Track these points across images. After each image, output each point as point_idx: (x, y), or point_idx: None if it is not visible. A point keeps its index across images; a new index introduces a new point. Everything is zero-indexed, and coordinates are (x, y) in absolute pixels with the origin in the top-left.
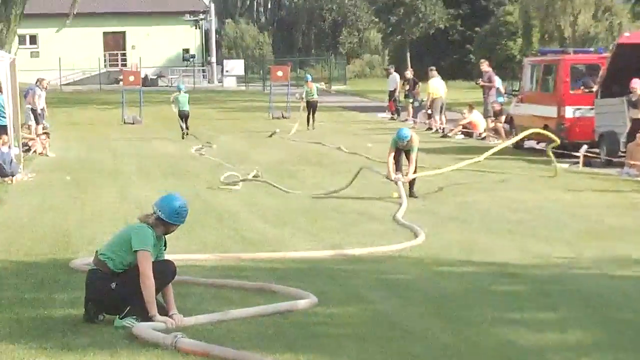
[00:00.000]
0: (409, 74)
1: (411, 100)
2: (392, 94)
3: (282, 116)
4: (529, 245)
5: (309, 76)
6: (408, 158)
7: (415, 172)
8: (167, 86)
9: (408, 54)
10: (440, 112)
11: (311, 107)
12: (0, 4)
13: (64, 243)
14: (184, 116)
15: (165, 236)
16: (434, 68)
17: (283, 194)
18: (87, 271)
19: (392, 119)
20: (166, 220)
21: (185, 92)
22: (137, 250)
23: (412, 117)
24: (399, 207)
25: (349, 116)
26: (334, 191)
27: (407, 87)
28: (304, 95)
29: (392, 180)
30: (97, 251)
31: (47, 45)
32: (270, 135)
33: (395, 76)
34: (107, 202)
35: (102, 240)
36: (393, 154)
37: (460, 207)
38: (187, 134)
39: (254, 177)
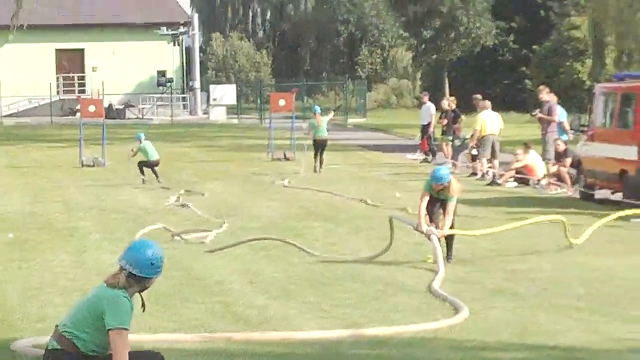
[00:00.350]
0: (446, 104)
1: (450, 138)
2: (425, 129)
3: (285, 157)
4: (601, 325)
5: (317, 108)
6: (444, 209)
7: (452, 227)
8: (137, 118)
9: (446, 79)
10: (492, 153)
11: (320, 146)
12: None
13: (3, 321)
14: (154, 165)
15: (142, 294)
16: (479, 97)
17: (286, 258)
18: (45, 353)
19: (425, 160)
20: (140, 275)
21: (146, 139)
22: (112, 329)
23: (452, 158)
24: (434, 274)
25: (370, 157)
26: (376, 255)
27: (445, 121)
28: (310, 132)
29: (422, 233)
30: (57, 326)
31: None
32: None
33: (430, 107)
34: (59, 268)
35: (53, 317)
36: (427, 200)
37: (512, 276)
38: (159, 182)
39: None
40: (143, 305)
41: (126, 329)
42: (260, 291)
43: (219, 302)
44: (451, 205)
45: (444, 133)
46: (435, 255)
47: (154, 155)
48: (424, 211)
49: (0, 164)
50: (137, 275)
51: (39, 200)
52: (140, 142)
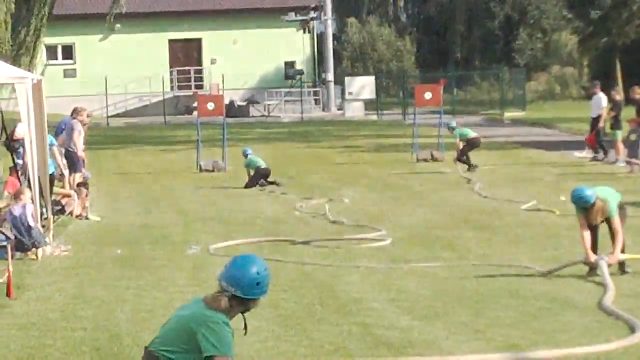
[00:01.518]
0: (618, 95)
1: (618, 133)
2: (595, 123)
3: (432, 158)
4: None
5: (453, 122)
6: (610, 227)
7: (623, 248)
8: (262, 116)
9: (618, 66)
10: None
11: (474, 146)
12: (22, 2)
13: (111, 349)
14: (265, 174)
15: (244, 315)
16: None
17: (433, 272)
18: None
19: (594, 159)
20: (244, 297)
21: (253, 153)
22: (219, 356)
23: (629, 156)
24: (604, 288)
25: (530, 156)
26: (560, 267)
27: (614, 113)
28: (458, 138)
29: (592, 265)
30: (146, 347)
31: (88, 59)
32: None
33: (601, 98)
34: (174, 288)
35: None
36: (585, 225)
37: None
38: (277, 183)
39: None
40: (245, 327)
41: (230, 356)
42: (403, 310)
43: (357, 323)
44: (615, 222)
45: (612, 127)
46: (603, 273)
47: (262, 164)
48: (588, 240)
49: (108, 170)
50: (241, 297)
51: (152, 210)
52: (246, 158)
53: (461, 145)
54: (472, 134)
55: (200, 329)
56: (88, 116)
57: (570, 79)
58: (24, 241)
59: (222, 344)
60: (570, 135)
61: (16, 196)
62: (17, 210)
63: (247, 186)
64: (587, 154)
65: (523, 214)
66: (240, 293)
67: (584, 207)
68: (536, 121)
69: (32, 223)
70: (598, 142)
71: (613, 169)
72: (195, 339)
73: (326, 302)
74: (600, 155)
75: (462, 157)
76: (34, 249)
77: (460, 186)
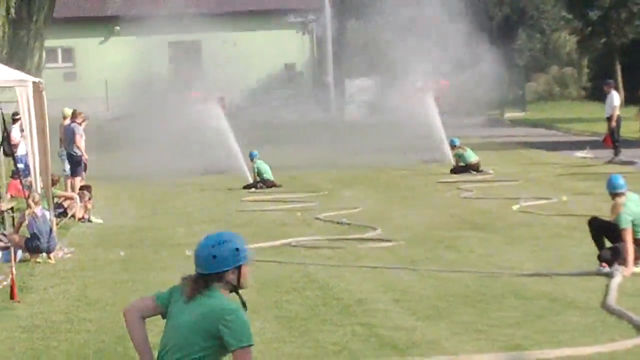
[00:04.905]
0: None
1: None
2: (610, 122)
3: (434, 159)
4: None
5: (457, 140)
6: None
7: (637, 259)
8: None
9: (618, 66)
10: None
11: (471, 169)
12: (22, 4)
13: (116, 351)
14: (267, 185)
15: (240, 293)
16: None
17: (436, 273)
18: None
19: (611, 161)
20: (205, 273)
21: (259, 159)
22: (241, 348)
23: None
24: (607, 288)
25: (531, 156)
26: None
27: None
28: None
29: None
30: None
31: (88, 62)
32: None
33: (613, 97)
34: None
35: None
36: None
37: None
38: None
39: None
40: (244, 305)
41: (251, 345)
42: (407, 311)
43: (361, 324)
44: (625, 233)
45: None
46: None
47: (269, 176)
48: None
49: (109, 173)
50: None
51: (155, 212)
52: (253, 161)
53: (458, 163)
54: (473, 158)
55: (219, 326)
56: (84, 120)
57: (570, 79)
58: (41, 241)
59: (245, 333)
60: (571, 135)
61: (36, 201)
62: (40, 213)
63: (246, 187)
64: (587, 153)
65: (524, 214)
66: (200, 270)
67: (612, 193)
68: (536, 122)
69: (54, 228)
70: (612, 141)
71: (616, 169)
72: (217, 336)
73: (330, 303)
74: (615, 156)
75: (457, 172)
76: (42, 253)
77: (461, 187)
